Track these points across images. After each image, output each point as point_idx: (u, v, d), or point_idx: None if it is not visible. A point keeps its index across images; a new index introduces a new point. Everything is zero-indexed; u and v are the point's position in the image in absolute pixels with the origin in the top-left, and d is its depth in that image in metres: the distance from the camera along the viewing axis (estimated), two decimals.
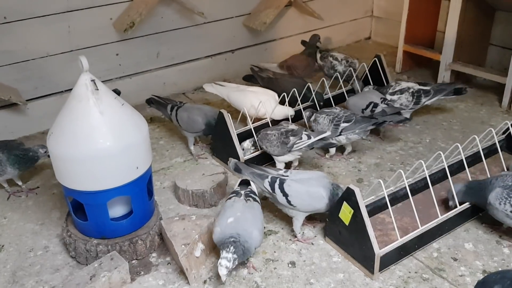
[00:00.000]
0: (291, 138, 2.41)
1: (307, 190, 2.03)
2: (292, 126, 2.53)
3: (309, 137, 2.41)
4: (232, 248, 1.81)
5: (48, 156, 2.32)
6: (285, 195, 2.04)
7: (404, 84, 2.91)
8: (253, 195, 2.04)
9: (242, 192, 2.05)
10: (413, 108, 2.88)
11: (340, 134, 2.58)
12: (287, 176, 2.09)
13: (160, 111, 2.86)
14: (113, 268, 1.88)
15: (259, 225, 1.93)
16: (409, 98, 2.85)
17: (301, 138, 2.41)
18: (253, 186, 2.13)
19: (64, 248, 2.12)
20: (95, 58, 2.95)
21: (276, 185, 2.05)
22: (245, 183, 2.14)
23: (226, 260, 1.79)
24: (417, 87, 2.88)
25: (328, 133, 2.43)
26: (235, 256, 1.81)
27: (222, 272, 1.79)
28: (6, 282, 1.97)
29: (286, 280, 1.94)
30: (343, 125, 2.57)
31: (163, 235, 2.09)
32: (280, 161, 2.50)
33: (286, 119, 2.79)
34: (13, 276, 2.00)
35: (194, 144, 2.77)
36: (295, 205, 2.04)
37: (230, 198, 2.03)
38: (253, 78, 3.21)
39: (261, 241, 1.94)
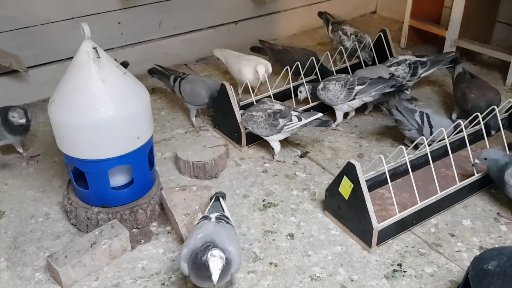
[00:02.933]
0: (280, 120, 2.33)
1: (446, 121, 2.40)
2: (278, 106, 2.41)
3: (299, 119, 2.34)
4: (216, 249, 1.55)
5: (25, 124, 2.30)
6: (431, 127, 2.37)
7: (401, 57, 2.90)
8: (225, 219, 1.78)
9: (212, 216, 1.77)
10: (411, 80, 2.85)
11: (354, 98, 2.56)
12: (418, 108, 2.44)
13: (162, 81, 2.84)
14: (113, 236, 1.90)
15: (235, 245, 1.67)
16: (405, 70, 2.82)
17: (291, 120, 2.34)
18: (225, 209, 1.88)
19: (65, 216, 2.14)
20: (96, 26, 2.90)
21: (425, 119, 2.39)
22: (217, 200, 1.92)
23: (219, 250, 1.55)
24: (414, 58, 2.87)
25: (320, 115, 2.36)
26: (222, 255, 1.54)
27: (217, 264, 1.52)
28: (7, 247, 2.00)
29: (284, 251, 1.96)
30: (358, 88, 2.54)
31: (163, 205, 2.11)
32: (272, 140, 2.43)
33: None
34: (14, 242, 2.02)
35: (196, 116, 2.76)
36: (433, 135, 2.36)
37: (198, 223, 1.79)
38: (261, 49, 3.17)
39: (239, 264, 1.68)
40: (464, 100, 2.61)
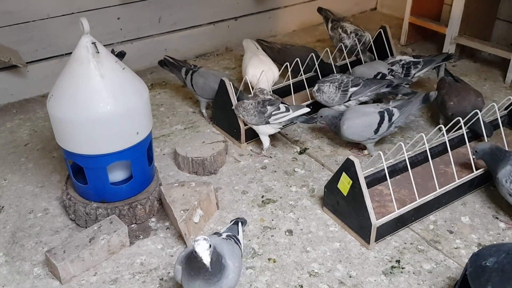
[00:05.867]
0: (268, 107, 2.34)
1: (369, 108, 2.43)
2: (269, 96, 2.43)
3: (287, 110, 2.34)
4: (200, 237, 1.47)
5: None
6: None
7: (398, 57, 2.88)
8: (235, 238, 1.73)
9: (224, 234, 1.74)
10: (405, 80, 2.82)
11: (349, 100, 2.56)
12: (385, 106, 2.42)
13: (173, 73, 2.85)
14: (112, 231, 1.90)
15: (236, 263, 1.59)
16: (399, 70, 2.81)
17: (279, 109, 2.34)
18: (240, 233, 1.85)
19: (63, 211, 2.14)
20: (96, 22, 2.90)
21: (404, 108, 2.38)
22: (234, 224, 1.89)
23: (205, 240, 1.44)
24: (408, 59, 2.83)
25: (307, 109, 2.36)
26: (211, 249, 1.44)
27: (203, 245, 1.42)
28: (6, 242, 2.00)
29: (283, 247, 1.96)
30: (352, 89, 2.53)
31: (162, 200, 2.11)
32: (262, 133, 2.43)
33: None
34: (13, 237, 2.02)
35: (206, 108, 2.80)
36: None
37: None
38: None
39: (235, 284, 1.57)
40: (443, 107, 2.56)
